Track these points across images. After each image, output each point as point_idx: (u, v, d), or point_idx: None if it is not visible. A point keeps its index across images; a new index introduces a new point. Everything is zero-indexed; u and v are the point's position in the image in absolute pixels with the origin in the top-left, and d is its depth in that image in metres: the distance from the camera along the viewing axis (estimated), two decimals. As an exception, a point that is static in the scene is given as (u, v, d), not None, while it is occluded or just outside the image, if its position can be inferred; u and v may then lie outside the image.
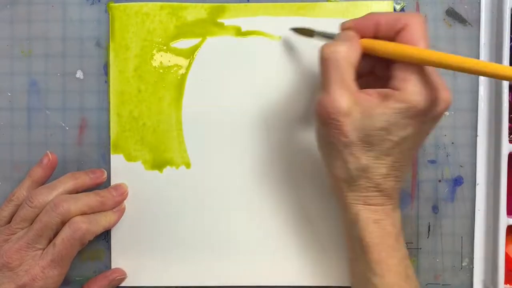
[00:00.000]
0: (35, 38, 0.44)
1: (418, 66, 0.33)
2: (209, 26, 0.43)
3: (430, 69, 0.34)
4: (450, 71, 0.43)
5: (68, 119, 0.44)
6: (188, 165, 0.44)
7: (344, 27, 0.37)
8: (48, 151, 0.43)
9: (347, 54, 0.34)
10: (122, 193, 0.43)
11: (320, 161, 0.39)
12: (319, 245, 0.43)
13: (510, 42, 0.42)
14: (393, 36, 0.34)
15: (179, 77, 0.44)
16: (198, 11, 0.43)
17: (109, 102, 0.44)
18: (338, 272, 0.43)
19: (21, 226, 0.40)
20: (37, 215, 0.39)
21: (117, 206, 0.43)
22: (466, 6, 0.43)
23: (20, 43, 0.44)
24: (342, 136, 0.34)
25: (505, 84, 0.42)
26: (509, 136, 0.42)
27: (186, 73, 0.44)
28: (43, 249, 0.39)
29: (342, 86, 0.33)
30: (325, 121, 0.34)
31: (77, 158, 0.44)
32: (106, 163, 0.44)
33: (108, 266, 0.44)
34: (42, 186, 0.41)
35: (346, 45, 0.34)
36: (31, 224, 0.40)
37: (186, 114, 0.44)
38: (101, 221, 0.41)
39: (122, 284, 0.44)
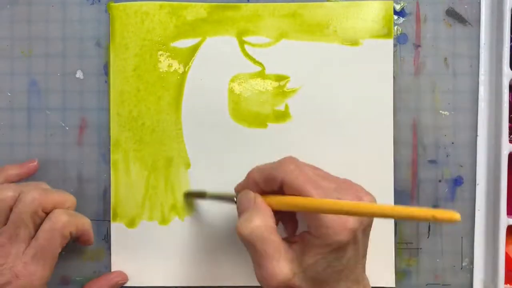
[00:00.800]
0: (35, 38, 0.44)
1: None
2: (209, 26, 0.44)
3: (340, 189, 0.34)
4: (450, 71, 0.43)
5: (68, 119, 0.44)
6: (187, 165, 0.44)
7: (237, 189, 0.38)
8: (36, 159, 0.43)
9: (264, 224, 0.34)
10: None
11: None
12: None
13: (510, 42, 0.42)
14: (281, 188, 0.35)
15: (178, 77, 0.44)
16: (198, 10, 0.43)
17: (109, 102, 0.44)
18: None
19: None
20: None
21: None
22: (466, 6, 0.43)
23: (20, 43, 0.44)
24: None
25: (505, 84, 0.42)
26: (509, 136, 0.42)
27: (186, 72, 0.44)
28: (26, 246, 0.38)
29: (276, 258, 0.33)
30: None
31: (77, 158, 0.44)
32: (106, 163, 0.44)
33: (108, 266, 0.44)
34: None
35: (258, 217, 0.34)
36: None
37: (186, 114, 0.44)
38: (83, 217, 0.40)
39: (122, 285, 0.44)
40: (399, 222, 0.44)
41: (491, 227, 0.43)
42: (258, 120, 0.43)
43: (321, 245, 0.33)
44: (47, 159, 0.44)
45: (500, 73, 0.42)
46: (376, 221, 0.43)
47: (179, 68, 0.44)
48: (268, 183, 0.35)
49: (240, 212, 0.36)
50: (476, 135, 0.43)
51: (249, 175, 0.37)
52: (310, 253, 0.33)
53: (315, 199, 0.32)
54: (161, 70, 0.44)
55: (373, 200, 0.35)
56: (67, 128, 0.44)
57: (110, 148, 0.44)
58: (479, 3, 0.43)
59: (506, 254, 0.42)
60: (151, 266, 0.44)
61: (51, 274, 0.39)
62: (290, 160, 0.35)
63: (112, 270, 0.44)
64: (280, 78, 0.43)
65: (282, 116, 0.43)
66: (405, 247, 0.44)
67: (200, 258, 0.44)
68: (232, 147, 0.44)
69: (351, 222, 0.32)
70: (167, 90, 0.44)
